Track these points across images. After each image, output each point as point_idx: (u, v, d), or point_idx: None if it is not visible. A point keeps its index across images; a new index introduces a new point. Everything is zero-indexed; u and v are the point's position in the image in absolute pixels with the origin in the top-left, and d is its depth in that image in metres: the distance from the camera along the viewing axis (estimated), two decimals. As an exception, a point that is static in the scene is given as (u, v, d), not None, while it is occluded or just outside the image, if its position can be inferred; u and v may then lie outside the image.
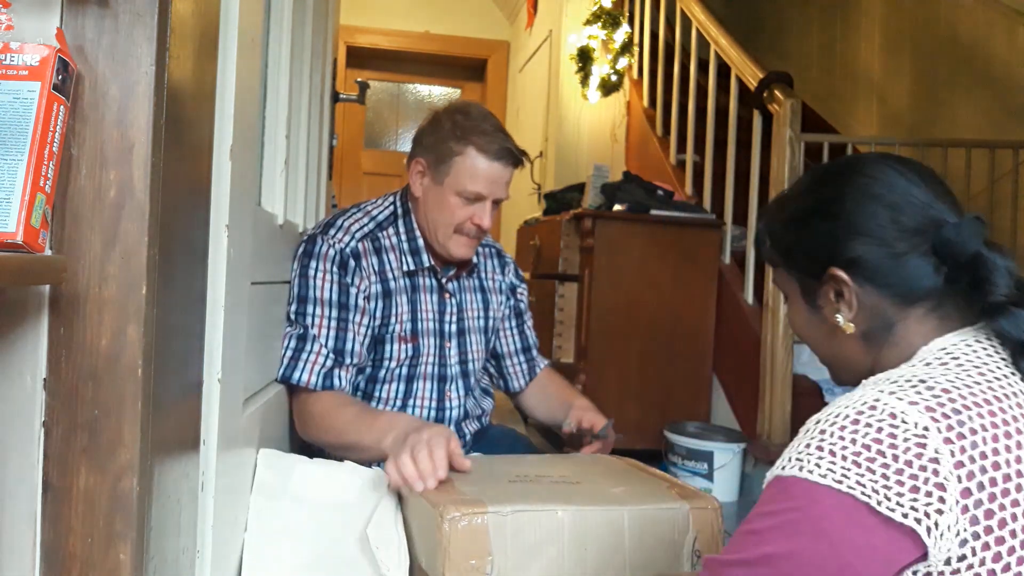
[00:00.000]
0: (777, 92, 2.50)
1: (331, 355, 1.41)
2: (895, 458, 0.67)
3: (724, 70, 3.02)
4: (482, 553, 0.99)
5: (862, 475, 0.68)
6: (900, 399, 0.70)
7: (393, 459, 1.13)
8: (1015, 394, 0.72)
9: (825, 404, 2.80)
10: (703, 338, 2.88)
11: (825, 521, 0.68)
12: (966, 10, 3.24)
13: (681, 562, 1.03)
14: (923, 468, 0.67)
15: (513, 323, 1.71)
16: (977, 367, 0.74)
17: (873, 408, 0.70)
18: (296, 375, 1.38)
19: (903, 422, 0.68)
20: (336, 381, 1.40)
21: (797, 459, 0.71)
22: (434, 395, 1.53)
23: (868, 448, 0.68)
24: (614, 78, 4.00)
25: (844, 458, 0.69)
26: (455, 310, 1.57)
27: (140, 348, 0.73)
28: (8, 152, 0.66)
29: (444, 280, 1.56)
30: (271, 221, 1.35)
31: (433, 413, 1.53)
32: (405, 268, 1.51)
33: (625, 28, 3.97)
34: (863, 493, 0.67)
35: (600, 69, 4.05)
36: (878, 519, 0.67)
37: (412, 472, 1.10)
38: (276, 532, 1.14)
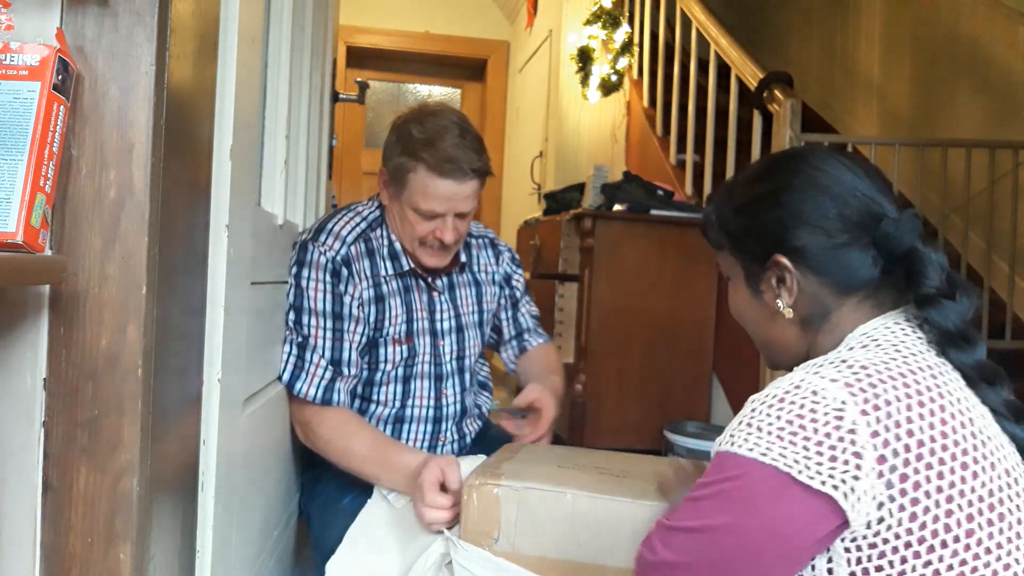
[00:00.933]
0: (777, 92, 2.50)
1: (329, 366, 1.41)
2: (815, 431, 0.73)
3: (724, 70, 3.02)
4: (492, 521, 1.08)
5: (784, 448, 0.74)
6: (822, 377, 0.76)
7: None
8: (929, 367, 0.78)
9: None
10: (703, 338, 2.88)
11: (753, 492, 0.75)
12: (966, 10, 3.24)
13: None
14: (841, 439, 0.72)
15: (509, 313, 1.70)
16: (894, 345, 0.80)
17: (797, 387, 0.76)
18: (298, 385, 1.39)
19: (823, 398, 0.74)
20: (335, 396, 1.40)
21: (731, 435, 0.78)
22: (431, 393, 1.53)
23: (791, 423, 0.74)
24: (614, 78, 4.00)
25: (769, 433, 0.75)
26: (448, 307, 1.56)
27: (140, 348, 0.73)
28: (8, 152, 0.66)
29: (431, 279, 1.54)
30: (271, 221, 1.35)
31: (431, 411, 1.53)
32: (385, 273, 1.49)
33: (625, 28, 3.97)
34: (785, 464, 0.73)
35: (600, 69, 4.05)
36: (800, 488, 0.73)
37: (434, 518, 1.18)
38: None
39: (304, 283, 1.42)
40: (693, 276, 2.87)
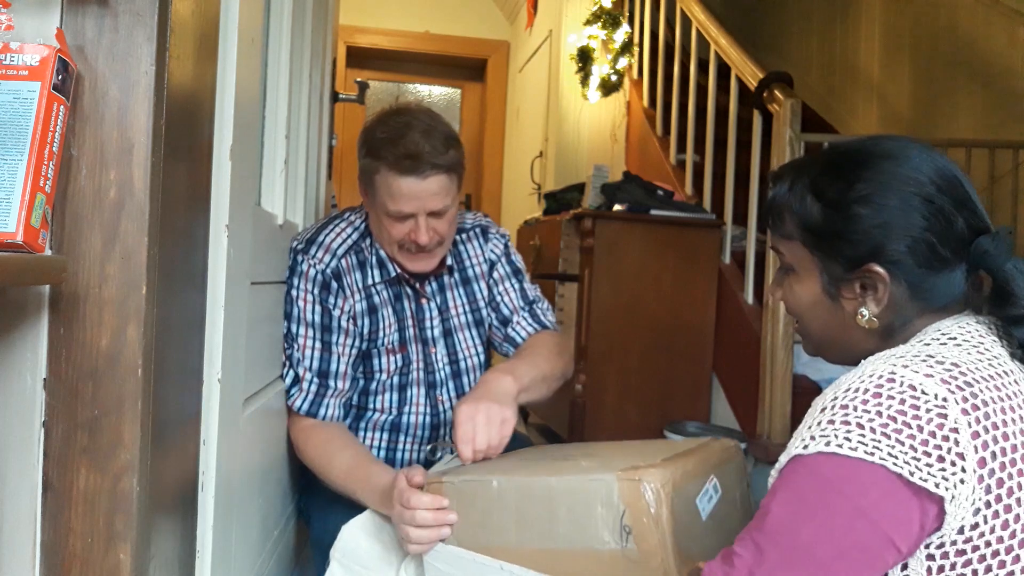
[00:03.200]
0: (777, 92, 2.50)
1: (315, 379, 1.40)
2: (920, 428, 0.68)
3: (724, 70, 3.02)
4: None
5: (892, 446, 0.67)
6: (916, 372, 0.70)
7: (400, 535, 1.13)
8: (1010, 371, 0.75)
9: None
10: (703, 338, 2.88)
11: (861, 497, 0.68)
12: (966, 10, 3.24)
13: (605, 536, 0.97)
14: (945, 438, 0.67)
15: (493, 303, 1.58)
16: (975, 346, 0.76)
17: (892, 380, 0.70)
18: (291, 395, 1.40)
19: (923, 392, 0.69)
20: (324, 411, 1.40)
21: (822, 436, 0.70)
22: (426, 401, 1.52)
23: (894, 419, 0.68)
24: (614, 78, 3.99)
25: (873, 430, 0.68)
26: (435, 313, 1.52)
27: (140, 348, 0.73)
28: (8, 152, 0.66)
29: (419, 285, 1.50)
30: (271, 221, 1.35)
31: (427, 418, 1.52)
32: (370, 281, 1.47)
33: (625, 28, 3.96)
34: (895, 464, 0.67)
35: (600, 69, 4.05)
36: (911, 490, 0.67)
37: (419, 536, 1.09)
38: None
39: (294, 293, 1.42)
40: (693, 276, 2.87)
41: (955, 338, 0.77)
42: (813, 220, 0.84)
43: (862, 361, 0.77)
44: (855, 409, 0.70)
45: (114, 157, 0.73)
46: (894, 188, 0.80)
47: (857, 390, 0.71)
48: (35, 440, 0.73)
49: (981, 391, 0.70)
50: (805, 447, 0.71)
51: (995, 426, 0.69)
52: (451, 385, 1.55)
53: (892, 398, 0.69)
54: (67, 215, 0.73)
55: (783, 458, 0.74)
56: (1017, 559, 0.68)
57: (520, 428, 3.02)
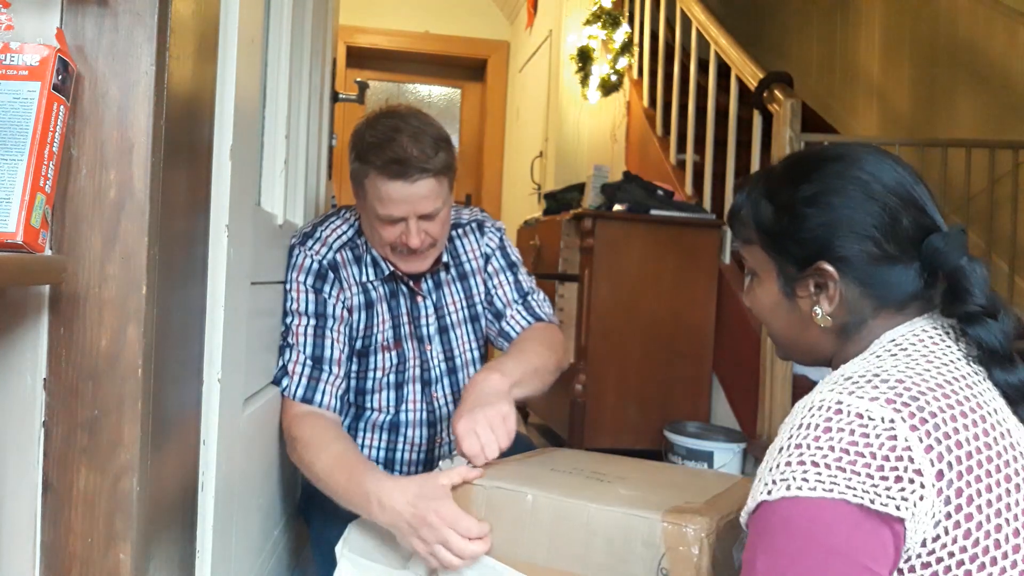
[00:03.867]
0: (777, 92, 2.50)
1: (308, 362, 1.39)
2: (873, 455, 0.69)
3: (724, 70, 3.02)
4: None
5: (848, 479, 0.69)
6: (860, 397, 0.71)
7: (420, 551, 1.10)
8: (963, 376, 0.76)
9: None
10: (703, 338, 2.88)
11: (830, 536, 0.69)
12: (966, 10, 3.24)
13: (639, 573, 0.97)
14: (899, 459, 0.69)
15: (488, 297, 1.56)
16: (924, 355, 0.77)
17: (839, 412, 0.71)
18: (284, 383, 1.38)
19: (870, 419, 0.70)
20: (319, 396, 1.38)
21: (782, 480, 0.71)
22: (421, 398, 1.52)
23: (847, 452, 0.69)
24: (614, 78, 3.99)
25: (828, 466, 0.69)
26: (431, 310, 1.52)
27: (140, 348, 0.73)
28: (8, 152, 0.66)
29: (414, 283, 1.49)
30: (271, 221, 1.35)
31: (424, 415, 1.52)
32: (365, 279, 1.46)
33: (625, 28, 3.97)
34: (855, 496, 0.68)
35: (600, 69, 4.05)
36: (877, 517, 0.68)
37: (448, 560, 1.06)
38: None
39: (289, 285, 1.42)
40: (693, 276, 2.87)
41: (905, 348, 0.78)
42: (767, 222, 0.87)
43: (817, 386, 0.77)
44: (808, 448, 0.71)
45: (114, 157, 0.73)
46: (838, 188, 0.82)
47: (808, 427, 0.72)
48: (35, 440, 0.73)
49: (928, 403, 0.71)
50: (769, 492, 0.72)
51: (947, 436, 0.70)
52: (447, 382, 1.54)
53: (842, 430, 0.70)
54: (67, 215, 0.73)
55: (750, 502, 0.74)
56: (983, 567, 0.69)
57: (520, 428, 3.02)
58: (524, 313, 1.54)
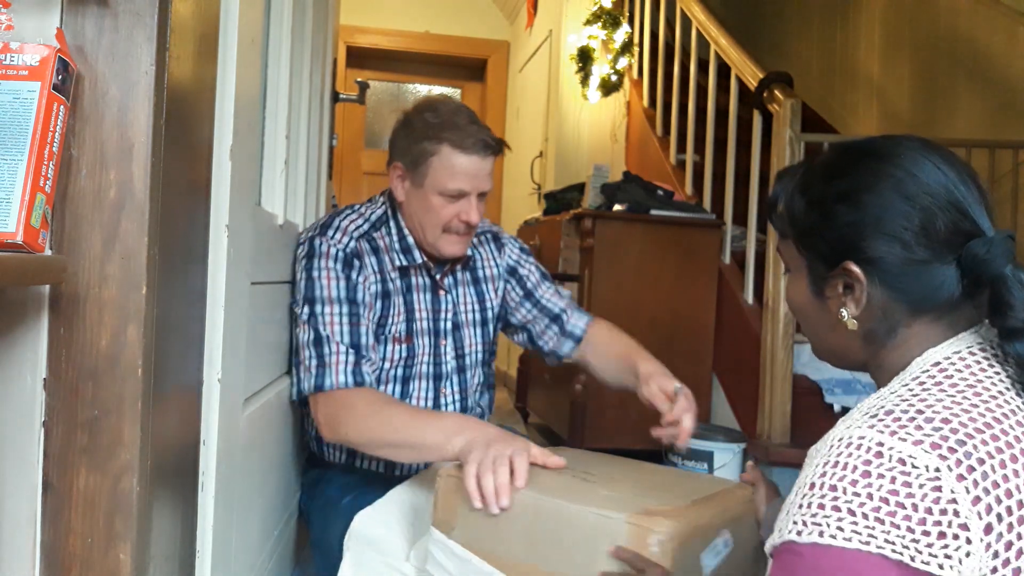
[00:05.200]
0: (777, 92, 2.50)
1: (350, 350, 1.38)
2: (915, 507, 0.64)
3: (724, 70, 3.02)
4: (452, 511, 1.10)
5: (888, 531, 0.64)
6: (903, 440, 0.66)
7: (473, 471, 1.09)
8: (1013, 412, 0.70)
9: (825, 404, 2.72)
10: (703, 338, 2.88)
11: None
12: (966, 10, 3.24)
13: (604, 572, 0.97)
14: (944, 512, 0.64)
15: (528, 304, 1.65)
16: (972, 386, 0.71)
17: (880, 455, 0.66)
18: (327, 381, 1.34)
19: (914, 467, 0.65)
20: (366, 377, 1.37)
21: (813, 523, 0.66)
22: (429, 394, 1.53)
23: (887, 501, 0.64)
24: (614, 78, 3.99)
25: (865, 516, 0.64)
26: (450, 306, 1.55)
27: (140, 348, 0.73)
28: (8, 152, 0.66)
29: (439, 276, 1.54)
30: (271, 221, 1.35)
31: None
32: (399, 263, 1.49)
33: (625, 28, 3.97)
34: (894, 551, 0.63)
35: (600, 69, 4.05)
36: (915, 575, 0.63)
37: (491, 491, 1.06)
38: None
39: (316, 273, 1.41)
40: (693, 276, 2.87)
41: (951, 376, 0.72)
42: (798, 217, 0.83)
43: (854, 412, 0.73)
44: (844, 492, 0.65)
45: (114, 157, 0.73)
46: (871, 185, 0.77)
47: (846, 467, 0.66)
48: (35, 440, 0.73)
49: (976, 447, 0.66)
50: (799, 533, 0.67)
51: (996, 485, 0.65)
52: (455, 379, 1.55)
53: (882, 476, 0.65)
54: (67, 215, 0.73)
55: (776, 536, 0.69)
56: None
57: (520, 428, 3.02)
58: (578, 313, 1.67)
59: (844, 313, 0.79)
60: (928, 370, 0.74)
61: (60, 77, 0.68)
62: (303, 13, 1.62)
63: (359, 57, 5.43)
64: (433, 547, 1.10)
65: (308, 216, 1.72)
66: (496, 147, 1.45)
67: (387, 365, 1.49)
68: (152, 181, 0.74)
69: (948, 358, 0.74)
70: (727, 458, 2.50)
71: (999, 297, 0.73)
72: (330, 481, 1.48)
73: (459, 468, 1.11)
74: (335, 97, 2.21)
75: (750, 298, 2.75)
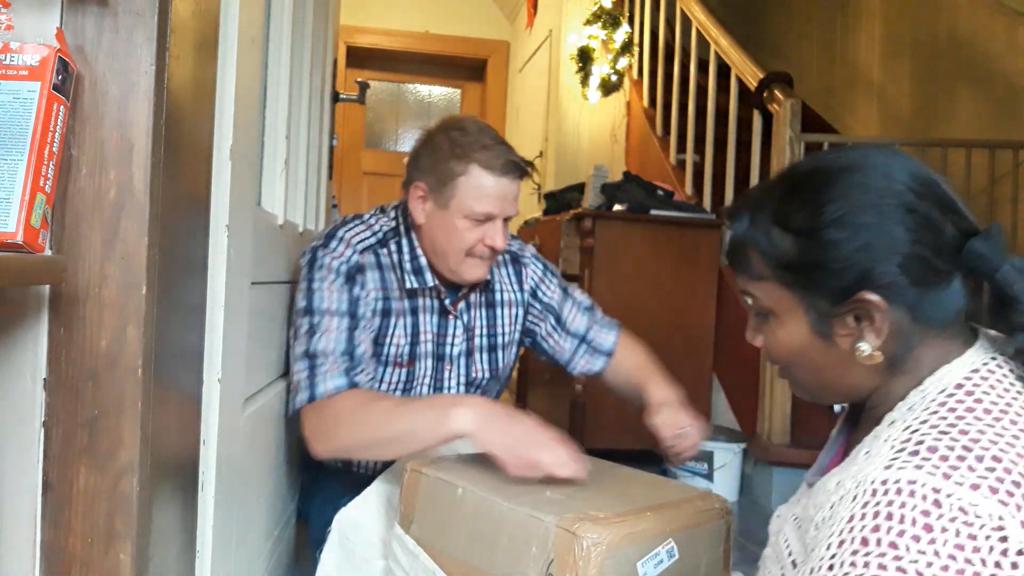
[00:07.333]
0: (777, 92, 2.51)
1: (343, 357, 1.34)
2: (983, 562, 0.59)
3: (724, 70, 3.02)
4: (411, 505, 1.12)
5: None
6: (959, 484, 0.61)
7: (518, 459, 1.10)
8: None
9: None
10: (703, 338, 2.88)
11: None
12: (966, 10, 3.24)
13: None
14: (1014, 566, 0.59)
15: (552, 323, 1.58)
16: (1005, 412, 0.66)
17: (938, 504, 0.60)
18: (319, 389, 1.29)
19: (976, 516, 0.59)
20: (361, 377, 1.34)
21: (864, 572, 0.60)
22: None
23: (954, 558, 0.58)
24: (614, 78, 4.00)
25: None
26: (459, 331, 1.48)
27: (140, 348, 0.73)
28: (8, 152, 0.66)
29: (449, 302, 1.47)
30: (271, 221, 1.35)
31: None
32: (408, 286, 1.42)
33: (625, 28, 3.97)
34: None
35: (600, 69, 4.05)
36: None
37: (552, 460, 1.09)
38: None
39: (317, 285, 1.36)
40: (693, 276, 2.87)
41: (980, 400, 0.67)
42: (786, 255, 0.74)
43: (869, 450, 0.67)
44: (908, 550, 0.59)
45: (114, 157, 0.73)
46: (868, 203, 0.71)
47: (902, 520, 0.60)
48: (35, 440, 0.73)
49: None
50: None
51: None
52: None
53: (945, 531, 0.59)
54: (67, 215, 0.73)
55: None
56: None
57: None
58: (606, 327, 1.60)
59: (864, 347, 0.72)
60: (954, 393, 0.68)
61: (60, 77, 0.68)
62: (303, 13, 1.62)
63: (359, 57, 5.43)
64: (394, 542, 1.12)
65: (308, 216, 1.72)
66: (524, 170, 1.40)
67: (385, 387, 1.45)
68: (152, 181, 0.74)
69: (969, 378, 0.69)
70: (727, 458, 2.50)
71: (1004, 294, 0.69)
72: (329, 481, 1.48)
73: (427, 462, 1.13)
74: (335, 97, 2.21)
75: (750, 298, 2.75)
